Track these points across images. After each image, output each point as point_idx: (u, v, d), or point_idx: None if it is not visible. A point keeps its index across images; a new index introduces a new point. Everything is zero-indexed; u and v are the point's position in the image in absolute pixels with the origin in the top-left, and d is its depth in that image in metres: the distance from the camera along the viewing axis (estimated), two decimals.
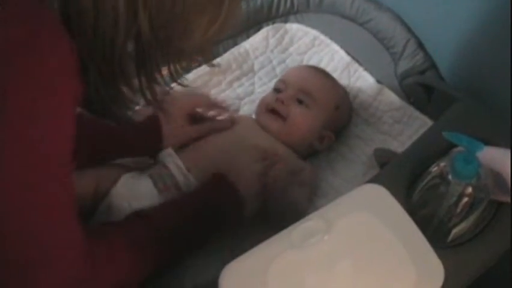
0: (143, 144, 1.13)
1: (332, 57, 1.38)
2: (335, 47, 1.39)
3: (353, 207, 0.81)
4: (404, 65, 1.25)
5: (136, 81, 0.80)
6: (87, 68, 0.73)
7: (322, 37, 1.41)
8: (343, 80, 1.32)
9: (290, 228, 0.78)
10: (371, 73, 1.32)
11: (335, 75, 1.32)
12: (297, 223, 0.79)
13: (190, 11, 0.74)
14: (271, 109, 1.20)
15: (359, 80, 1.33)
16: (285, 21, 1.44)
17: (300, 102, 1.20)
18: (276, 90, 1.25)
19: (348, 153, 1.25)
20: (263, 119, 1.21)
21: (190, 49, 0.81)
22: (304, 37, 1.42)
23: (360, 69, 1.34)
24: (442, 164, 0.93)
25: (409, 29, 1.26)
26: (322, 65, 1.37)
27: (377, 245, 0.79)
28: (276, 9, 1.43)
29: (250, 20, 1.41)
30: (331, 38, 1.40)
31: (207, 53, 0.91)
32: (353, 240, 0.78)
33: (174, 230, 0.94)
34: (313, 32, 1.42)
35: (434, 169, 0.93)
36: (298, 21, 1.43)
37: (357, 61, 1.35)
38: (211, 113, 1.24)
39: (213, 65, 0.96)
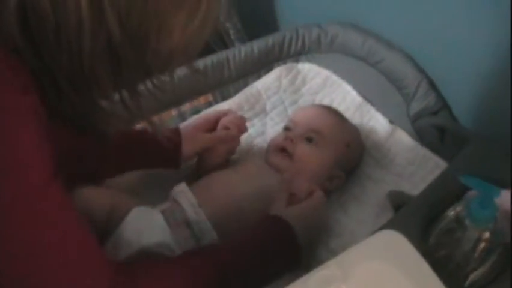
0: (163, 151, 1.15)
1: (344, 97, 1.41)
2: (347, 87, 1.42)
3: (370, 255, 0.82)
4: (416, 106, 1.26)
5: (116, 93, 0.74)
6: (56, 81, 0.67)
7: (334, 77, 1.44)
8: (355, 120, 1.34)
9: (307, 276, 0.79)
10: (383, 114, 1.34)
11: (347, 115, 1.34)
12: (313, 271, 0.80)
13: (164, 5, 0.68)
14: (280, 148, 1.23)
15: (371, 120, 1.35)
16: (297, 61, 1.47)
17: (309, 140, 1.22)
18: (286, 129, 1.28)
19: (360, 194, 1.26)
20: (272, 158, 1.24)
21: (171, 52, 0.74)
22: (316, 77, 1.45)
23: (373, 109, 1.36)
24: (458, 209, 0.94)
25: (421, 69, 1.28)
26: (334, 106, 1.39)
27: None
28: (288, 49, 1.46)
29: (262, 60, 1.44)
30: (343, 78, 1.42)
31: (191, 58, 0.84)
32: None
33: (239, 273, 0.93)
34: (325, 72, 1.45)
35: (451, 213, 0.94)
36: (309, 61, 1.46)
37: (369, 101, 1.37)
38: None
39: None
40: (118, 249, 1.01)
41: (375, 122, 1.35)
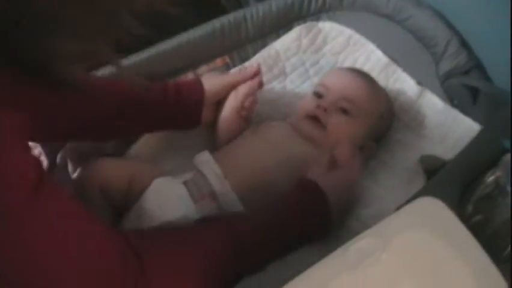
0: (185, 103, 1.17)
1: (368, 57, 1.37)
2: (371, 46, 1.37)
3: (409, 224, 0.80)
4: (446, 65, 1.23)
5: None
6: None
7: (357, 36, 1.39)
8: (381, 82, 1.30)
9: (344, 247, 0.77)
10: (411, 74, 1.31)
11: (372, 74, 1.31)
12: (350, 242, 0.78)
13: None
14: (312, 116, 1.20)
15: (398, 81, 1.32)
16: (317, 20, 1.42)
17: (343, 110, 1.19)
18: (317, 95, 1.24)
19: (390, 160, 1.24)
20: (302, 126, 1.20)
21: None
22: (338, 36, 1.40)
23: (399, 70, 1.32)
24: (498, 173, 0.92)
25: (451, 27, 1.24)
26: (358, 66, 1.36)
27: (437, 262, 0.77)
28: (307, 7, 1.41)
29: (280, 19, 1.40)
30: (367, 37, 1.38)
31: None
32: (412, 258, 0.77)
33: (258, 244, 0.94)
34: (348, 31, 1.40)
35: (490, 179, 0.93)
36: (330, 20, 1.42)
37: (396, 62, 1.33)
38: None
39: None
40: (140, 221, 1.00)
41: (401, 83, 1.31)
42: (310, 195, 1.03)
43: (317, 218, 1.02)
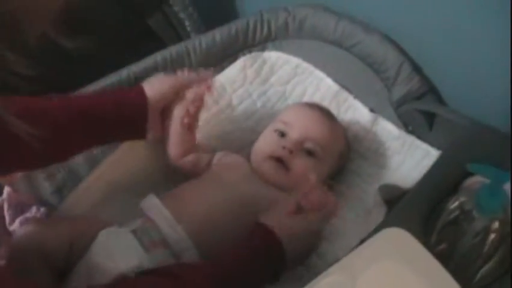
0: (126, 113, 1.13)
1: (318, 86, 1.38)
2: (320, 74, 1.39)
3: (375, 256, 0.80)
4: (399, 91, 1.25)
5: None
6: None
7: (305, 64, 1.41)
8: (333, 111, 1.32)
9: (312, 284, 0.76)
10: (363, 101, 1.32)
11: (324, 103, 1.32)
12: (317, 279, 0.77)
13: None
14: (276, 157, 1.19)
15: (350, 109, 1.34)
16: (263, 50, 1.43)
17: (308, 152, 1.20)
18: (279, 133, 1.23)
19: (346, 191, 1.25)
20: (265, 168, 1.20)
21: None
22: (285, 65, 1.42)
23: (350, 97, 1.34)
24: (462, 199, 0.92)
25: (402, 51, 1.26)
26: (307, 95, 1.37)
27: None
28: (252, 36, 1.42)
29: (225, 50, 1.40)
30: (315, 65, 1.39)
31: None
32: None
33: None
34: (295, 60, 1.41)
35: (453, 205, 0.93)
36: (277, 49, 1.43)
37: (346, 89, 1.35)
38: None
39: None
40: (91, 277, 0.97)
41: (354, 111, 1.33)
42: (266, 244, 1.03)
43: (270, 268, 1.03)
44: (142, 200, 1.13)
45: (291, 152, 1.18)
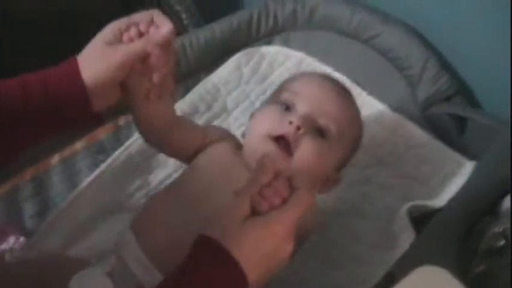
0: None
1: None
2: (327, 69, 1.27)
3: None
4: (424, 91, 1.15)
5: None
6: None
7: (309, 59, 1.31)
8: None
9: None
10: (382, 100, 1.22)
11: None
12: None
13: None
14: (278, 136, 0.97)
15: (364, 107, 1.20)
16: (269, 43, 1.34)
17: (320, 132, 0.99)
18: (283, 105, 1.02)
19: (363, 205, 1.13)
20: (260, 151, 0.93)
21: None
22: (286, 61, 1.32)
23: (364, 93, 1.23)
24: (505, 225, 0.84)
25: (428, 45, 1.16)
26: None
27: None
28: (257, 29, 1.32)
29: (226, 45, 1.30)
30: (325, 60, 1.29)
31: None
32: None
33: None
34: (298, 55, 1.32)
35: (496, 230, 0.85)
36: (284, 42, 1.33)
37: (359, 84, 1.24)
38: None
39: None
40: None
41: (369, 109, 1.21)
42: (217, 270, 0.76)
43: None
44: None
45: (298, 128, 0.96)
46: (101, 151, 1.23)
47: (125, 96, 0.97)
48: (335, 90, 1.05)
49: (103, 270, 0.92)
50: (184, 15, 1.54)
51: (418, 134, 1.15)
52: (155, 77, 0.94)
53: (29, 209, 1.15)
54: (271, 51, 1.32)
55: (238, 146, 1.07)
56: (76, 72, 0.91)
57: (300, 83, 1.06)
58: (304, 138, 0.96)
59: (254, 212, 0.78)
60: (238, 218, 0.77)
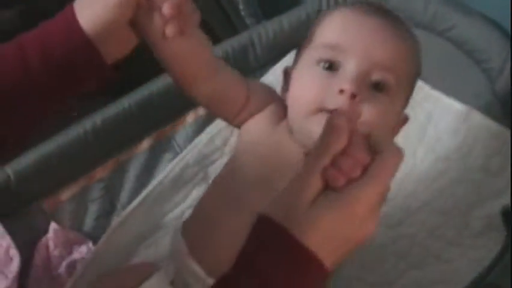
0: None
1: None
2: None
3: None
4: (506, 84, 1.12)
5: None
6: None
7: None
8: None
9: None
10: (456, 94, 1.19)
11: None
12: None
13: None
14: (330, 110, 0.84)
15: (428, 102, 1.20)
16: None
17: (377, 87, 0.86)
18: (328, 66, 0.87)
19: (436, 201, 1.11)
20: (313, 128, 0.81)
21: None
22: None
23: (427, 87, 1.21)
24: None
25: (509, 37, 1.14)
26: None
27: None
28: None
29: (296, 38, 1.23)
30: None
31: None
32: None
33: None
34: None
35: None
36: None
37: (436, 79, 1.21)
38: None
39: None
40: None
41: (434, 103, 1.20)
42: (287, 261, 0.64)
43: None
44: None
45: (353, 96, 0.83)
46: (170, 148, 1.25)
47: (142, 38, 0.84)
48: (384, 27, 0.90)
49: (167, 280, 0.93)
50: (241, 7, 1.49)
51: (490, 125, 1.13)
52: (166, 8, 0.80)
53: (93, 211, 1.18)
54: None
55: (283, 110, 0.94)
56: (72, 20, 0.79)
57: (340, 30, 0.90)
58: (362, 105, 0.84)
59: (327, 187, 0.65)
60: (308, 198, 0.64)
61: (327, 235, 0.63)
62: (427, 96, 1.20)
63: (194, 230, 0.94)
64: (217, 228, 0.90)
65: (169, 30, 0.80)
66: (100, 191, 1.20)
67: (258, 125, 0.94)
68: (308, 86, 0.88)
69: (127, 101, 1.21)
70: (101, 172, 1.20)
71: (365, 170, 0.64)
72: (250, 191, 0.88)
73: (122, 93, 1.22)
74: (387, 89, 0.87)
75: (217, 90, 0.91)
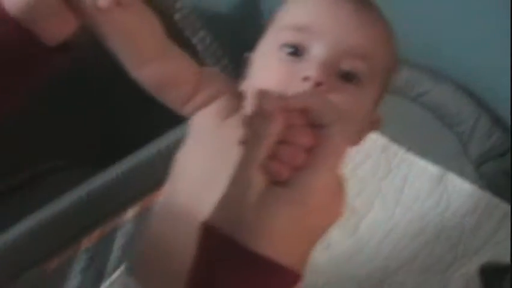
0: None
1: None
2: None
3: None
4: (477, 148, 1.19)
5: None
6: None
7: None
8: (382, 167, 1.25)
9: None
10: (429, 157, 1.24)
11: (369, 161, 1.24)
12: None
13: None
14: None
15: (403, 165, 1.25)
16: None
17: (347, 77, 0.75)
18: (290, 50, 0.76)
19: (416, 260, 1.14)
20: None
21: None
22: None
23: (401, 151, 1.26)
24: None
25: (480, 102, 1.21)
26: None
27: None
28: None
29: None
30: None
31: None
32: None
33: None
34: None
35: None
36: None
37: (409, 143, 1.27)
38: None
39: None
40: None
41: (409, 166, 1.25)
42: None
43: None
44: None
45: (318, 85, 0.72)
46: None
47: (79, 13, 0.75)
48: (359, 11, 0.78)
49: None
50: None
51: (463, 186, 1.18)
52: None
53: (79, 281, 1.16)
54: None
55: (239, 101, 0.84)
56: None
57: (309, 10, 0.79)
58: (328, 95, 0.72)
59: (272, 182, 0.54)
60: (252, 200, 0.54)
61: (286, 235, 0.54)
62: (402, 159, 1.26)
63: (146, 264, 0.86)
64: (171, 252, 0.80)
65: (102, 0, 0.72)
66: (86, 261, 1.19)
67: (205, 119, 0.85)
68: (269, 73, 0.76)
69: (113, 171, 1.22)
70: (87, 242, 1.20)
71: (311, 151, 0.54)
72: (195, 199, 0.78)
73: (107, 165, 1.24)
74: (358, 79, 0.75)
75: (165, 73, 0.83)
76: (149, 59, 0.80)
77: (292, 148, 0.54)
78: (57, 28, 0.74)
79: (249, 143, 0.55)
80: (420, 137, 1.28)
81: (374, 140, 1.28)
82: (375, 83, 0.78)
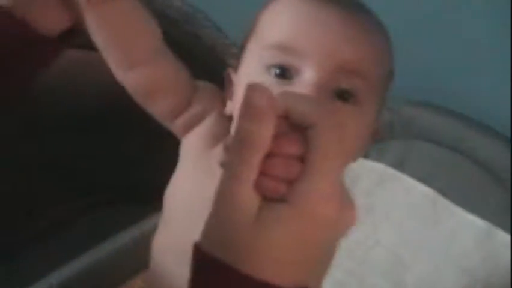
0: None
1: (408, 192, 1.30)
2: (410, 181, 1.31)
3: None
4: None
5: None
6: None
7: (390, 171, 1.34)
8: (429, 221, 1.25)
9: None
10: (476, 211, 1.24)
11: (416, 216, 1.25)
12: None
13: None
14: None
15: (452, 218, 1.25)
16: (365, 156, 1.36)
17: (342, 96, 0.70)
18: (279, 72, 0.71)
19: None
20: None
21: None
22: (369, 174, 1.34)
23: (452, 205, 1.26)
24: None
25: None
26: (395, 204, 1.29)
27: None
28: None
29: None
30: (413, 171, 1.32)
31: None
32: None
33: None
34: (379, 166, 1.35)
35: None
36: (379, 152, 1.36)
37: (454, 196, 1.27)
38: None
39: None
40: None
41: (458, 220, 1.24)
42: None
43: None
44: None
45: None
46: None
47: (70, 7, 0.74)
48: (348, 20, 0.72)
49: None
50: None
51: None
52: None
53: None
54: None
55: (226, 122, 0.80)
56: None
57: (291, 26, 0.72)
58: None
59: (267, 198, 0.50)
60: (245, 221, 0.50)
61: (290, 254, 0.50)
62: (451, 212, 1.26)
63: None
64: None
65: None
66: None
67: (195, 141, 0.81)
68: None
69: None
70: None
71: (303, 158, 0.49)
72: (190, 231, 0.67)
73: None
74: (355, 97, 0.71)
75: (153, 79, 0.78)
76: (137, 61, 0.77)
77: (283, 160, 0.49)
78: (53, 18, 0.73)
79: (233, 155, 0.49)
80: (469, 191, 1.28)
81: (423, 192, 1.29)
82: (374, 97, 0.73)
